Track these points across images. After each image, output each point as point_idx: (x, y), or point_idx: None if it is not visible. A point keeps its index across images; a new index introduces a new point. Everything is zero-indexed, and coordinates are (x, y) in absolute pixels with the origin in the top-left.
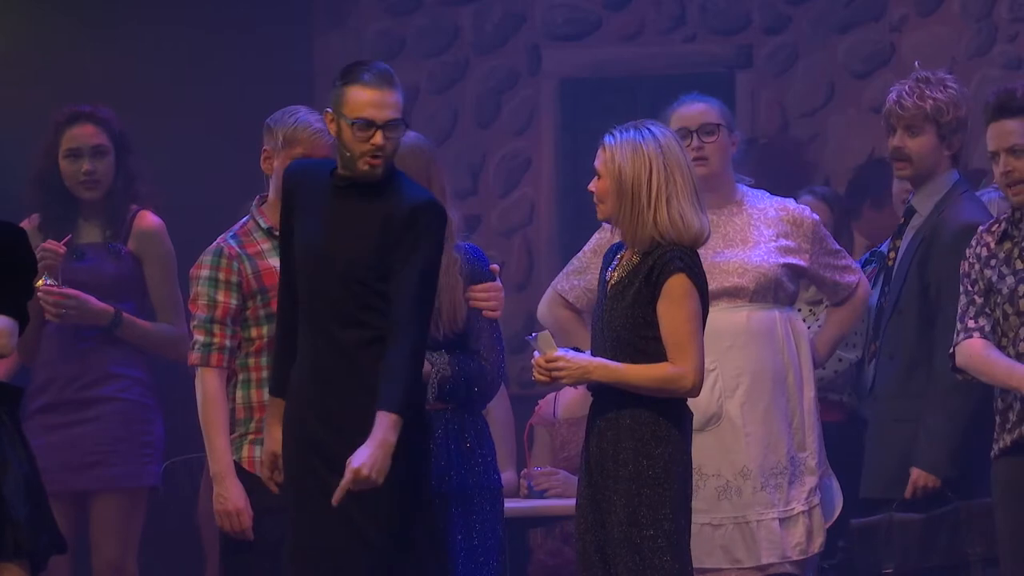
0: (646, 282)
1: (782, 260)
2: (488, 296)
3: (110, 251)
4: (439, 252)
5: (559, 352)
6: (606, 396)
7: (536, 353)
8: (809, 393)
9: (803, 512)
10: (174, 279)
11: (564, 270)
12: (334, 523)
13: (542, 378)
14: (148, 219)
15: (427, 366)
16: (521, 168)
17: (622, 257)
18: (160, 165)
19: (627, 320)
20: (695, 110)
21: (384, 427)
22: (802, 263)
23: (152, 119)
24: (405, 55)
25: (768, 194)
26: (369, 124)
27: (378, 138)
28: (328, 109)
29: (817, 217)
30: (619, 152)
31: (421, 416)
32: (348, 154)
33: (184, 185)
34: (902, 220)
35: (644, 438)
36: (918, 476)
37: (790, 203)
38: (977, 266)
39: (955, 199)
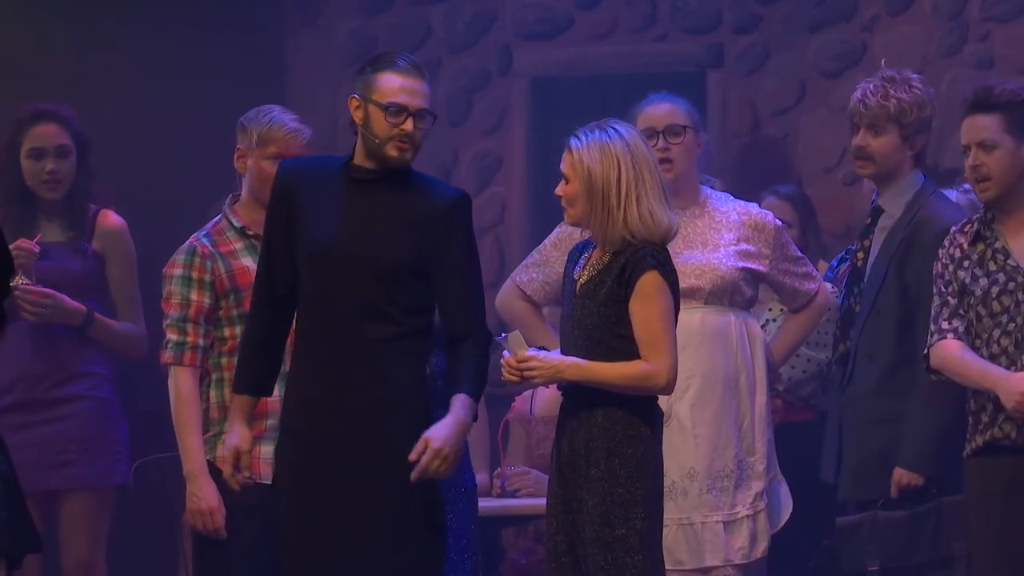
0: (618, 281)
1: (741, 264)
2: None
3: (76, 250)
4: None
5: (531, 352)
6: (578, 395)
7: (506, 353)
8: (761, 398)
9: (748, 516)
10: (135, 278)
11: (524, 262)
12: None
13: (512, 378)
14: (111, 218)
15: None
16: (492, 167)
17: (590, 256)
18: (130, 164)
19: (599, 319)
20: (662, 110)
21: (463, 407)
22: (761, 268)
23: (122, 118)
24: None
25: (732, 197)
26: (402, 109)
27: (409, 124)
28: (354, 95)
29: (780, 223)
30: (587, 154)
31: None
32: (376, 140)
33: (155, 184)
34: (868, 220)
35: (616, 437)
36: (901, 475)
37: (753, 207)
38: (951, 267)
39: (927, 200)
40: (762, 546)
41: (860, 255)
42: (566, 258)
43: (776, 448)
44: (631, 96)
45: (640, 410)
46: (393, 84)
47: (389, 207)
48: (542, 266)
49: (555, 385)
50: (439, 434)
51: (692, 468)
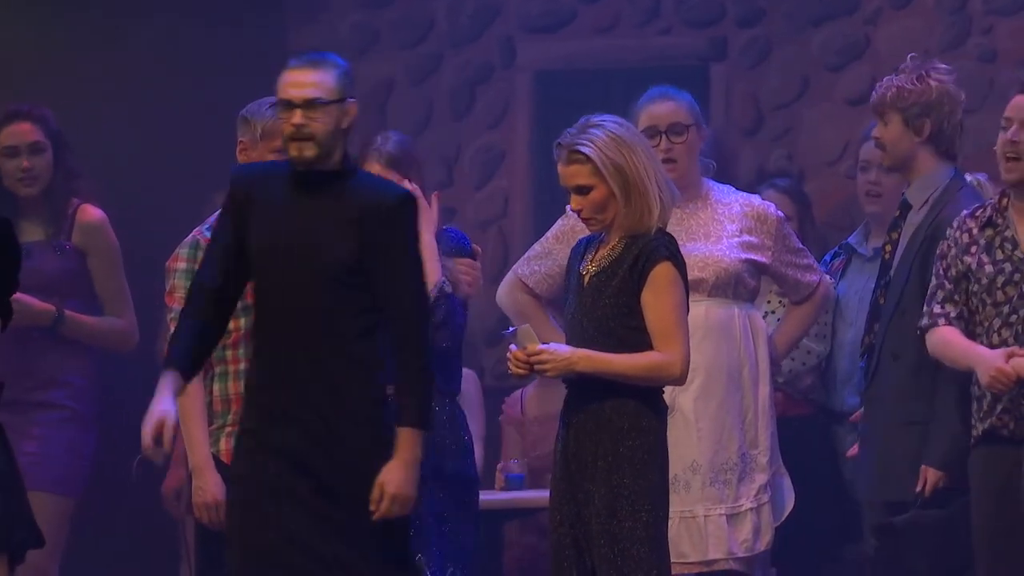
0: (630, 272)
1: (744, 256)
2: (465, 269)
3: (54, 248)
4: (418, 245)
5: (541, 346)
6: (584, 387)
7: (512, 347)
8: (764, 390)
9: (752, 509)
10: (120, 271)
11: (526, 255)
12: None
13: (519, 371)
14: (90, 212)
15: (439, 273)
16: (496, 161)
17: (598, 249)
18: (131, 160)
19: (610, 310)
20: (665, 109)
21: (408, 444)
22: (764, 260)
23: (122, 111)
24: (379, 47)
25: (733, 189)
26: (287, 104)
27: (297, 117)
28: None
29: (782, 215)
30: (607, 154)
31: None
32: (284, 144)
33: (156, 180)
34: (897, 213)
35: (624, 429)
36: (931, 474)
37: (755, 199)
38: (954, 251)
39: (952, 197)
40: (766, 539)
41: (888, 248)
42: (569, 251)
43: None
44: (634, 90)
45: (648, 402)
46: (281, 82)
47: (330, 208)
48: (544, 259)
49: (539, 383)
50: (393, 478)
51: (695, 461)
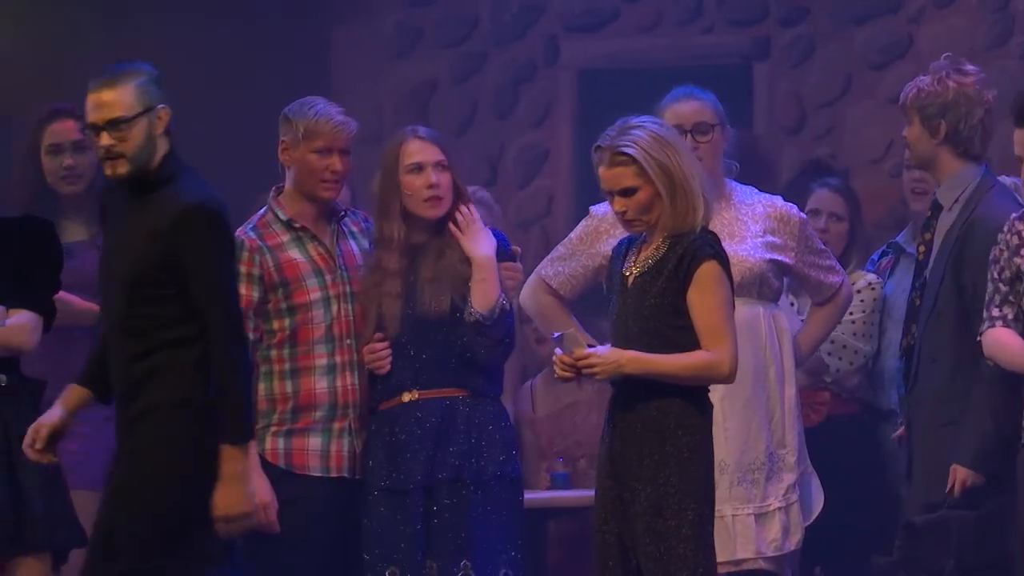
0: (675, 271)
1: (768, 256)
2: (510, 274)
3: (97, 247)
4: (222, 255)
5: (590, 349)
6: (630, 387)
7: (558, 350)
8: (790, 390)
9: (780, 508)
10: None
11: (549, 256)
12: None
13: (566, 374)
14: None
15: (499, 288)
16: (539, 159)
17: (640, 250)
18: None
19: (656, 310)
20: (690, 108)
21: (227, 460)
22: (787, 260)
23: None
24: (423, 46)
25: (756, 190)
26: (93, 127)
27: (104, 139)
28: None
29: (804, 216)
30: (651, 154)
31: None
32: None
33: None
34: (928, 214)
35: (670, 427)
36: (962, 474)
37: (778, 200)
38: (1006, 253)
39: (983, 197)
40: (795, 538)
41: (922, 248)
42: (592, 251)
43: (824, 440)
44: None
45: (693, 401)
46: (86, 106)
47: (142, 220)
48: (568, 260)
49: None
50: (217, 500)
51: (723, 461)
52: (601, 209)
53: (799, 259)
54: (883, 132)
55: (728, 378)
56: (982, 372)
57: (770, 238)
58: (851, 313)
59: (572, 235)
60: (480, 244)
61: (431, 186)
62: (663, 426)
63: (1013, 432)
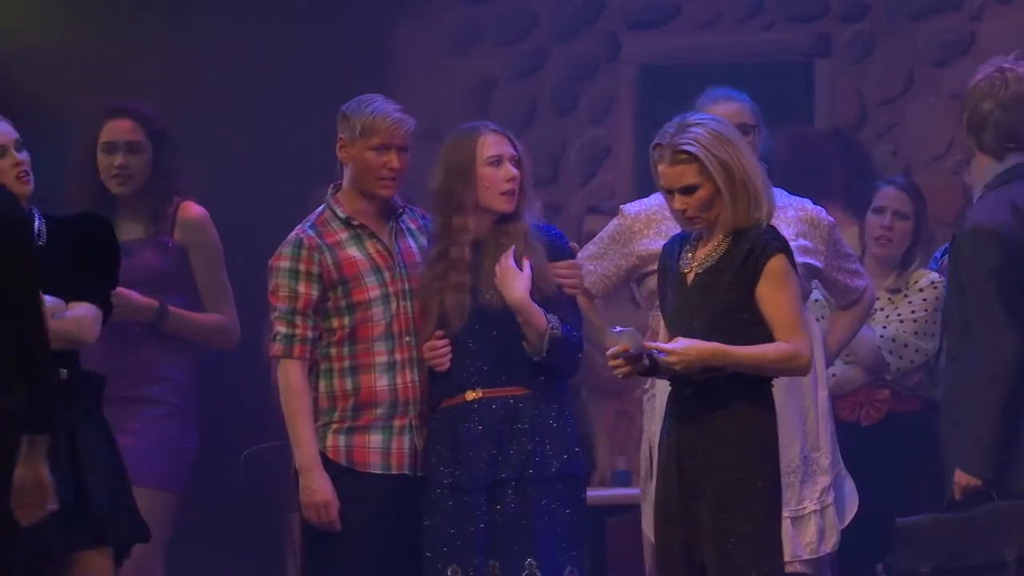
0: (743, 266)
1: (801, 259)
2: (570, 273)
3: (157, 245)
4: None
5: (671, 344)
6: (694, 384)
7: (613, 348)
8: (823, 392)
9: (815, 511)
10: (221, 268)
11: (579, 255)
12: None
13: (625, 371)
14: (192, 209)
15: (544, 322)
16: (600, 156)
17: (697, 247)
18: (234, 155)
19: (723, 306)
20: (731, 109)
21: (25, 449)
22: (818, 264)
23: (225, 109)
24: (482, 43)
25: (786, 193)
26: None
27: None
28: None
29: (833, 220)
30: (712, 151)
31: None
32: None
33: (258, 175)
34: None
35: (740, 425)
36: (959, 477)
37: (808, 203)
38: None
39: (980, 198)
40: (831, 541)
41: None
42: (625, 251)
43: (883, 438)
44: (737, 85)
45: (760, 396)
46: None
47: None
48: (600, 259)
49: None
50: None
51: None
52: (633, 208)
53: (828, 263)
54: (945, 129)
55: (805, 369)
56: (967, 373)
57: (802, 241)
58: (913, 311)
59: (603, 234)
60: (510, 287)
61: (510, 179)
62: (731, 424)
63: (1016, 436)
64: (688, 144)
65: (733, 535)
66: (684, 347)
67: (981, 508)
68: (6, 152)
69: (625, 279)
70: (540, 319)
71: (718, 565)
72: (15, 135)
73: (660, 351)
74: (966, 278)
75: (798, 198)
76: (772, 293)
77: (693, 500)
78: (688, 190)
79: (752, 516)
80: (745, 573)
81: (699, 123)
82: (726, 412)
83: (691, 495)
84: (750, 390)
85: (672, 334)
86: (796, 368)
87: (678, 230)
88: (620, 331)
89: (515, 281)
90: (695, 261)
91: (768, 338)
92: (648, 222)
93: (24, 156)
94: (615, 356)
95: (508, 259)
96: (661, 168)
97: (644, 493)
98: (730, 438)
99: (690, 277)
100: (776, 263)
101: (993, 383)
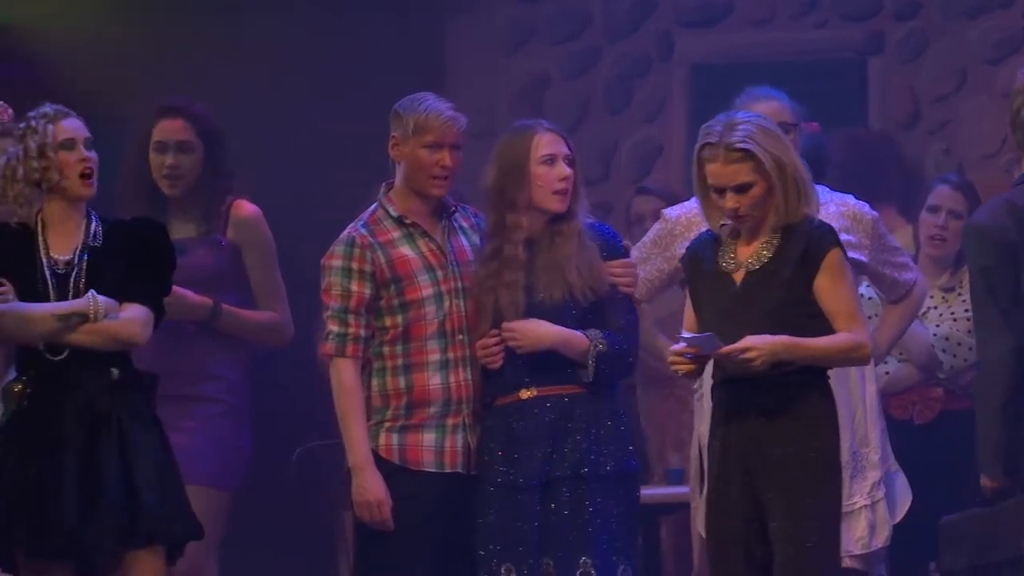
0: (802, 261)
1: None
2: (624, 271)
3: (210, 244)
4: None
5: (744, 341)
6: (753, 382)
7: (676, 345)
8: (871, 388)
9: (866, 506)
10: (274, 266)
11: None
12: None
13: (685, 368)
14: (245, 207)
15: (585, 342)
16: (653, 154)
17: (734, 245)
18: (286, 153)
19: (782, 301)
20: (772, 107)
21: None
22: (863, 259)
23: (277, 107)
24: (535, 42)
25: (828, 190)
26: None
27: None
28: None
29: (877, 214)
30: (766, 147)
31: None
32: None
33: (311, 174)
34: None
35: (814, 418)
36: (982, 479)
37: (850, 199)
38: None
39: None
40: (883, 536)
41: None
42: (667, 254)
43: (936, 436)
44: (791, 83)
45: (827, 391)
46: None
47: None
48: (643, 263)
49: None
50: None
51: None
52: (674, 212)
53: (873, 257)
54: (999, 127)
55: (867, 358)
56: (980, 376)
57: (845, 237)
58: (967, 310)
59: (646, 239)
60: (534, 338)
61: (563, 178)
62: (805, 417)
63: (1019, 433)
64: (743, 142)
65: (810, 530)
66: (761, 343)
67: (1007, 503)
68: (75, 146)
69: (668, 282)
70: (580, 341)
71: (792, 557)
72: (87, 133)
73: (739, 351)
74: (974, 275)
75: (839, 194)
76: (832, 285)
77: (759, 496)
78: (742, 188)
79: (826, 514)
80: (823, 564)
81: (747, 120)
82: (800, 406)
83: (757, 491)
84: (820, 382)
85: (721, 333)
86: (860, 358)
87: None
88: (699, 337)
89: (535, 330)
90: (741, 259)
91: (825, 331)
92: (689, 225)
93: (92, 155)
94: (680, 354)
95: (493, 338)
96: (713, 167)
97: (695, 491)
98: (806, 431)
99: (739, 276)
100: (834, 256)
101: (992, 383)
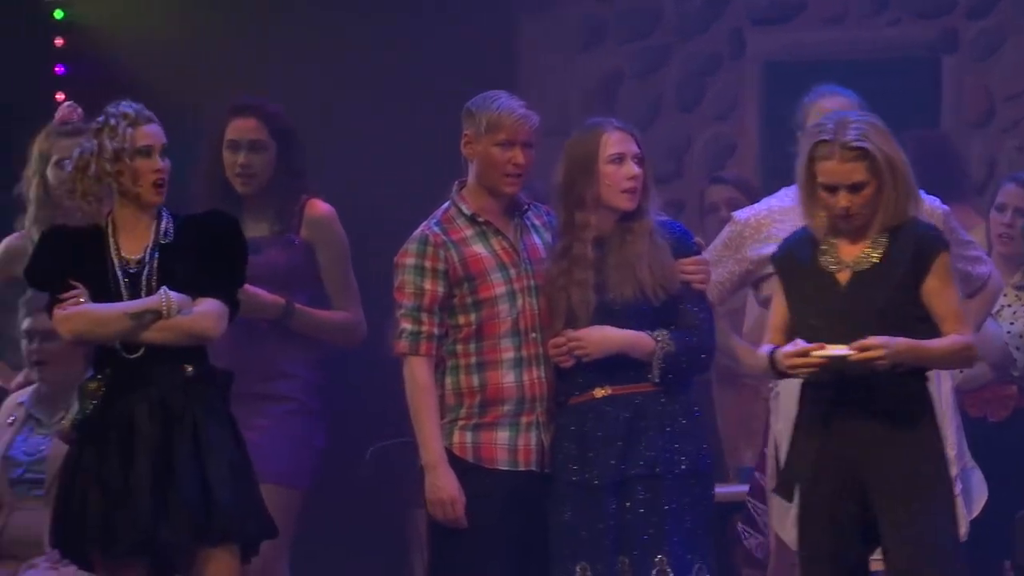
0: (916, 261)
1: None
2: (697, 269)
3: (283, 243)
4: None
5: (870, 339)
6: (860, 382)
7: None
8: (947, 384)
9: None
10: (347, 265)
11: None
12: None
13: (805, 371)
14: (318, 206)
15: (651, 343)
16: (725, 152)
17: (836, 245)
18: (360, 152)
19: (894, 302)
20: (839, 104)
21: None
22: None
23: (352, 106)
24: (607, 39)
25: None
26: None
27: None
28: None
29: (947, 208)
30: (880, 146)
31: None
32: None
33: (384, 172)
34: None
35: (926, 418)
36: None
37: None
38: None
39: None
40: (960, 531)
41: None
42: (738, 256)
43: (1011, 434)
44: (864, 81)
45: (928, 396)
46: None
47: None
48: (715, 266)
49: None
50: None
51: None
52: (744, 214)
53: None
54: None
55: (974, 361)
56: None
57: None
58: None
59: (717, 241)
60: (600, 345)
61: (632, 177)
62: (919, 418)
63: None
64: (860, 140)
65: (932, 529)
66: (894, 343)
67: None
68: (152, 153)
69: (739, 285)
70: (646, 343)
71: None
72: (164, 140)
73: (868, 348)
74: None
75: None
76: (942, 288)
77: (867, 499)
78: (856, 187)
79: (945, 515)
80: (943, 562)
81: (860, 119)
82: (915, 407)
83: (866, 493)
84: (926, 383)
85: (817, 335)
86: (970, 359)
87: (786, 234)
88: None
89: (600, 336)
90: (846, 259)
91: (932, 332)
92: (758, 227)
93: (166, 164)
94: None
95: (562, 339)
96: (828, 165)
97: (770, 491)
98: (924, 433)
99: (843, 276)
100: (944, 259)
101: None
